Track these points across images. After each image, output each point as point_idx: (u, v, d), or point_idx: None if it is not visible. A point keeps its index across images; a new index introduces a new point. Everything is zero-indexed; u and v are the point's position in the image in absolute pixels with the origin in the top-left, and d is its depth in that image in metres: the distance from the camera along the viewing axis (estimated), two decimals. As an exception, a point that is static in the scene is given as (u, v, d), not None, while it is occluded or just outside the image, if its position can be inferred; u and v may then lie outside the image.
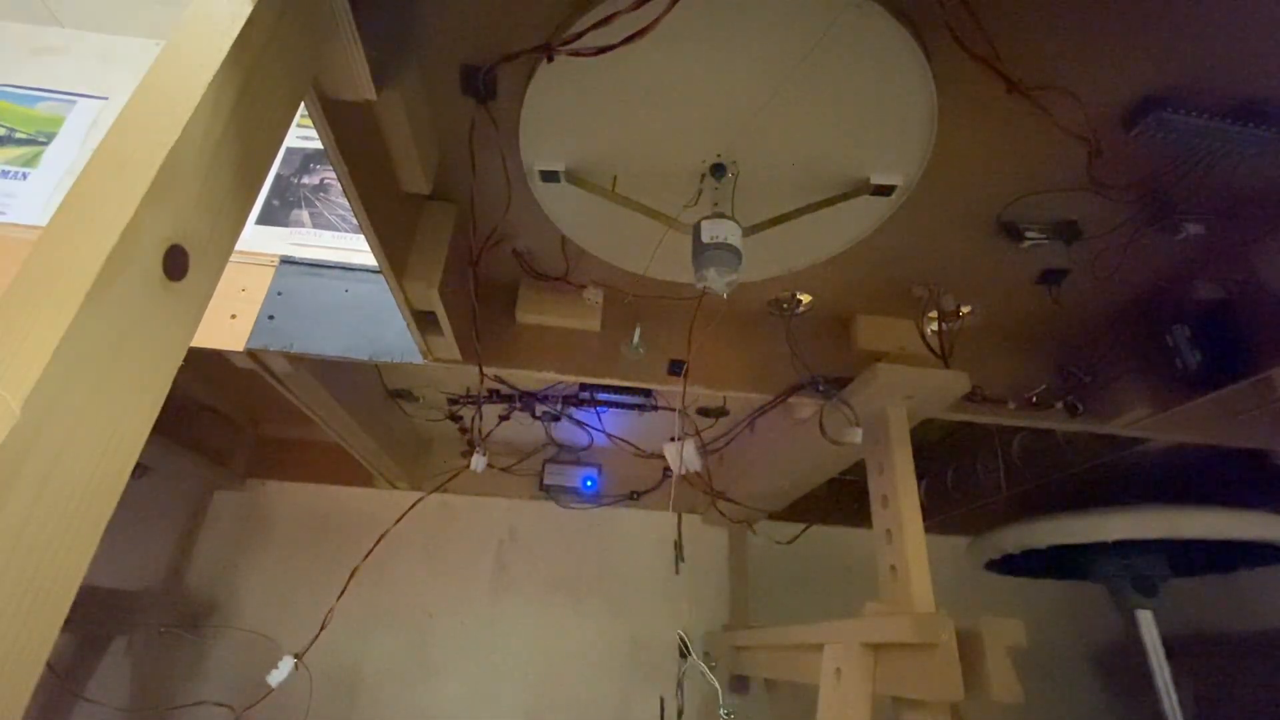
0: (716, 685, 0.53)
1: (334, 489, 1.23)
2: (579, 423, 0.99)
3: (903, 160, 0.46)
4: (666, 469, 1.17)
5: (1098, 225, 0.53)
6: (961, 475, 1.05)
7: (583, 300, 0.67)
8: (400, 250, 0.51)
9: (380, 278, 0.54)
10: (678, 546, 0.67)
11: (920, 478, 0.67)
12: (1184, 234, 0.51)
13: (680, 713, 0.59)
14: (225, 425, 1.15)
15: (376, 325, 0.66)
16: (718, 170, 0.48)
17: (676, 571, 0.62)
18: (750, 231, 0.48)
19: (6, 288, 0.19)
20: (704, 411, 0.88)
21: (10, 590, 0.18)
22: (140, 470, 0.99)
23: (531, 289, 0.67)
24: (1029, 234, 0.54)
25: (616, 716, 1.14)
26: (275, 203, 0.83)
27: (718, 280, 0.45)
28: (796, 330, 0.68)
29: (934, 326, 0.66)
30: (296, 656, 0.68)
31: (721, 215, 0.46)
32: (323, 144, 0.37)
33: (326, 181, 0.86)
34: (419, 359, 0.65)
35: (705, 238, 0.45)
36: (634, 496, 1.20)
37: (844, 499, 1.18)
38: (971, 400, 0.68)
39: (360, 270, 0.69)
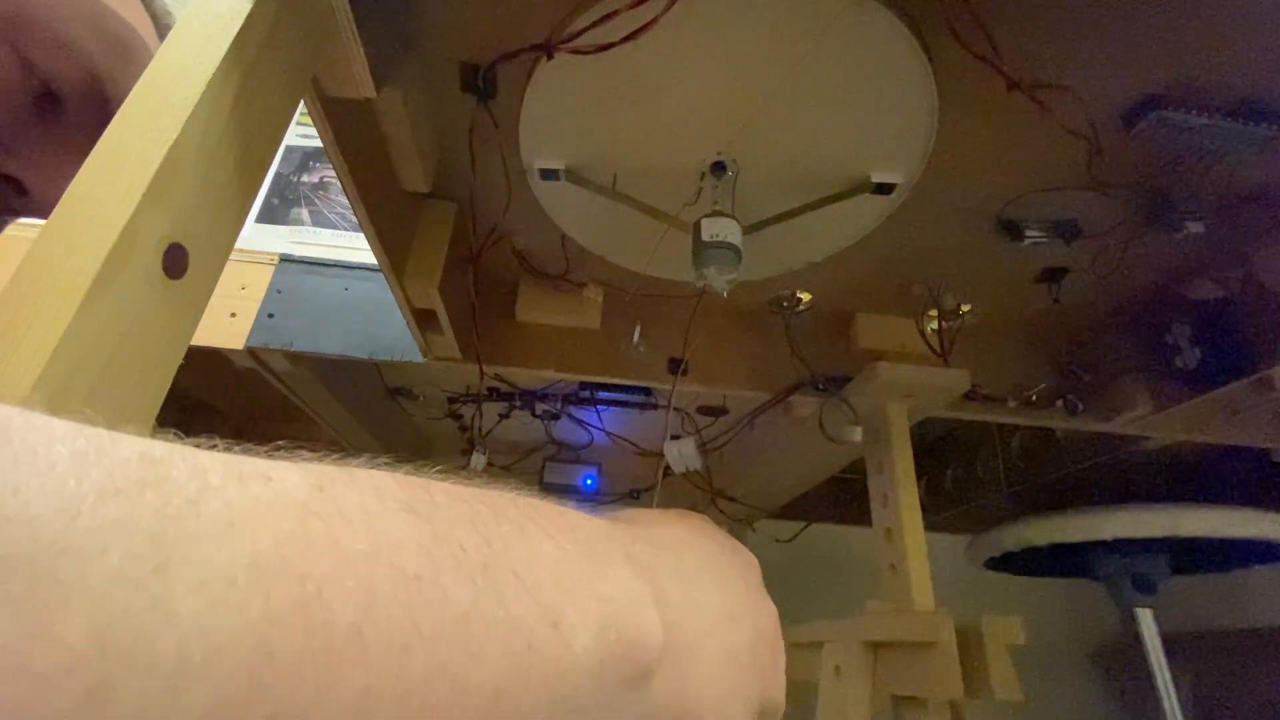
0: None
1: (334, 487, 1.23)
2: (579, 421, 0.99)
3: (903, 158, 0.46)
4: (667, 467, 1.17)
5: (1098, 224, 0.53)
6: (961, 474, 1.05)
7: (583, 298, 0.66)
8: (400, 248, 0.51)
9: (380, 276, 0.54)
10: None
11: (920, 476, 0.67)
12: (1184, 232, 0.51)
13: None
14: (225, 424, 1.15)
15: (376, 323, 0.66)
16: (717, 168, 0.48)
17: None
18: (750, 230, 0.48)
19: (5, 286, 0.19)
20: (704, 410, 0.88)
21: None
22: (140, 468, 0.98)
23: (531, 287, 0.67)
24: (1029, 232, 0.54)
25: (616, 714, 1.14)
26: (275, 201, 0.83)
27: (718, 278, 0.45)
28: (796, 329, 0.68)
29: (934, 325, 0.66)
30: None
31: (721, 213, 0.46)
32: (322, 142, 0.37)
33: (326, 180, 0.85)
34: (419, 357, 0.65)
35: (705, 236, 0.45)
36: (634, 495, 1.20)
37: (844, 497, 1.18)
38: (971, 399, 0.68)
39: (360, 268, 0.69)
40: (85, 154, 0.21)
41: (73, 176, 0.18)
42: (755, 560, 0.29)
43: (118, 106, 0.22)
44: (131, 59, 0.43)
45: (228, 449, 0.14)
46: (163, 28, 0.47)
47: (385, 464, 0.18)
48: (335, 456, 0.17)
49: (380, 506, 0.15)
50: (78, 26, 0.40)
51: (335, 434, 0.89)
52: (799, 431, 0.79)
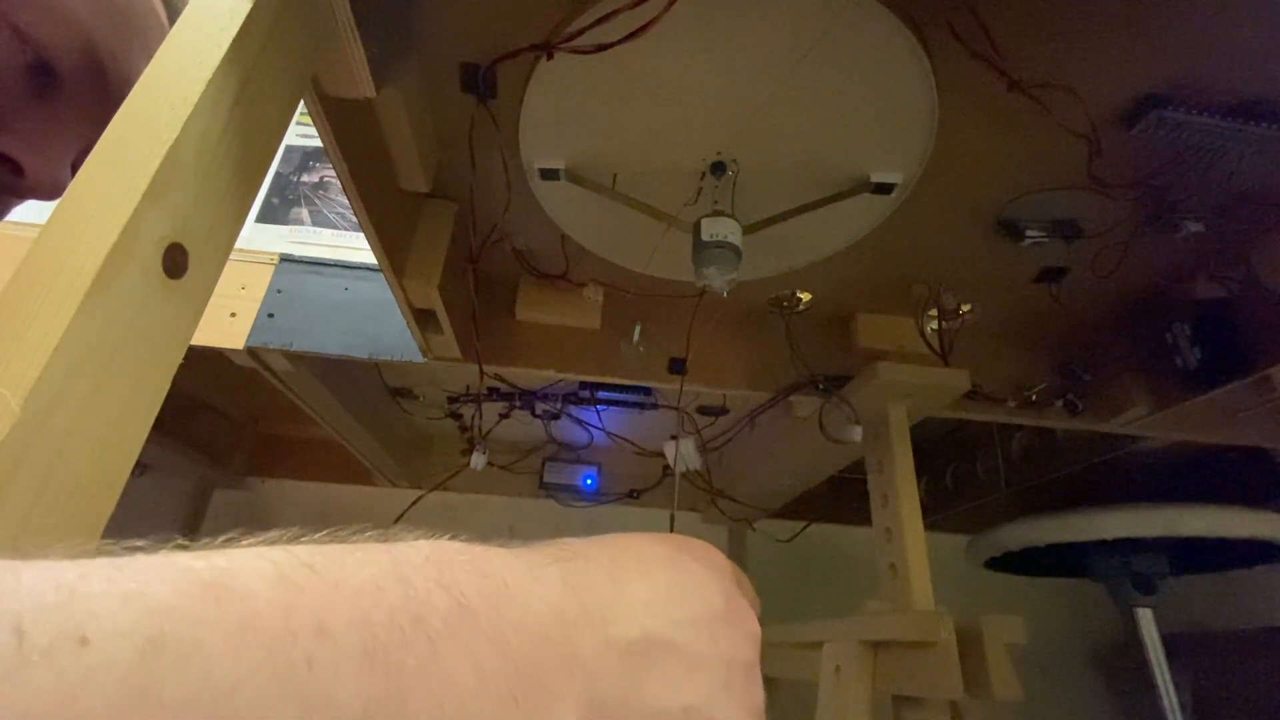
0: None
1: (334, 487, 1.23)
2: (579, 421, 0.99)
3: (903, 158, 0.46)
4: (667, 467, 1.17)
5: (1098, 223, 0.53)
6: (961, 473, 1.05)
7: (583, 298, 0.66)
8: (400, 248, 0.51)
9: (380, 276, 0.54)
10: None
11: (920, 476, 0.67)
12: (1183, 232, 0.51)
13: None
14: (225, 423, 1.15)
15: (376, 323, 0.66)
16: (717, 168, 0.48)
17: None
18: (750, 230, 0.48)
19: (6, 286, 0.19)
20: (704, 410, 0.88)
21: (10, 588, 0.18)
22: (140, 468, 0.99)
23: (531, 287, 0.67)
24: (1029, 232, 0.54)
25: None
26: (275, 201, 0.83)
27: (718, 278, 0.45)
28: (796, 328, 0.68)
29: (934, 325, 0.66)
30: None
31: (721, 213, 0.46)
32: (322, 142, 0.37)
33: (326, 179, 0.85)
34: (419, 357, 0.65)
35: (705, 236, 0.45)
36: (634, 495, 1.20)
37: (844, 497, 1.18)
38: (971, 399, 0.68)
39: (360, 268, 0.69)
40: (82, 131, 0.20)
41: (69, 155, 0.18)
42: (755, 630, 0.25)
43: (117, 80, 0.22)
44: (131, 29, 0.41)
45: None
46: (171, 9, 0.46)
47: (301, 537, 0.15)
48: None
49: (229, 676, 0.11)
50: None
51: (335, 433, 0.89)
52: (799, 431, 0.79)
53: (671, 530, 0.69)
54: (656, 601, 0.22)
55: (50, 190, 0.41)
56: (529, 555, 0.20)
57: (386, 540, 0.17)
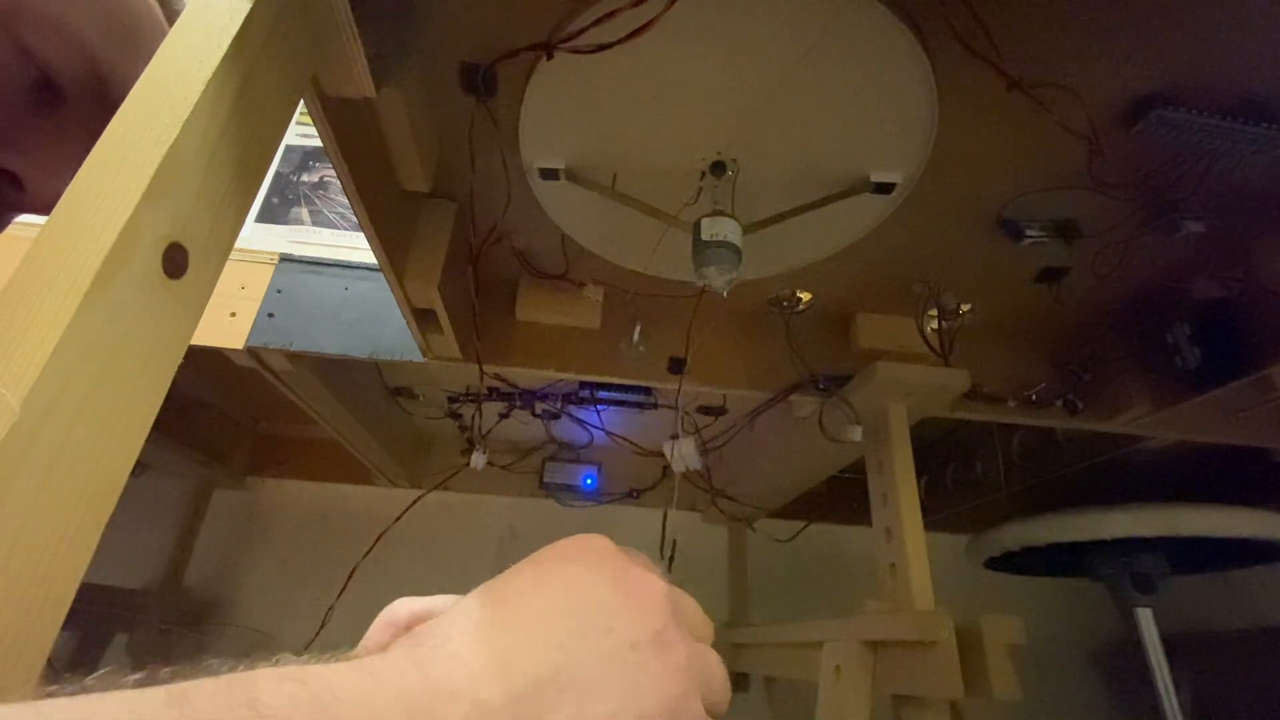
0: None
1: (334, 487, 1.23)
2: (579, 421, 0.99)
3: (903, 158, 0.46)
4: (667, 467, 1.17)
5: (1098, 223, 0.53)
6: (961, 473, 1.05)
7: (583, 298, 0.66)
8: (400, 248, 0.51)
9: (380, 275, 0.54)
10: (663, 547, 0.68)
11: (920, 475, 0.67)
12: (1184, 232, 0.51)
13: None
14: (225, 423, 1.15)
15: (376, 323, 0.66)
16: (717, 168, 0.48)
17: (669, 569, 0.63)
18: (750, 229, 0.48)
19: (5, 286, 0.19)
20: (704, 409, 0.88)
21: (11, 588, 0.18)
22: (140, 468, 0.99)
23: (531, 287, 0.67)
24: (1029, 232, 0.54)
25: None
26: (274, 200, 0.83)
27: (718, 278, 0.45)
28: (796, 328, 0.68)
29: (934, 324, 0.66)
30: (296, 655, 0.68)
31: (721, 213, 0.46)
32: (322, 142, 0.37)
33: (326, 179, 0.85)
34: (419, 357, 0.65)
35: (705, 236, 0.45)
36: (634, 494, 1.20)
37: (844, 497, 1.18)
38: (971, 398, 0.68)
39: (360, 268, 0.69)
40: (85, 148, 0.20)
41: (73, 172, 0.18)
42: (656, 591, 0.23)
43: (121, 98, 0.22)
44: (136, 47, 0.41)
45: None
46: (171, 13, 0.46)
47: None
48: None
49: None
50: (76, 9, 0.38)
51: (335, 433, 0.89)
52: (799, 431, 0.79)
53: (663, 529, 0.69)
54: (529, 639, 0.20)
55: (51, 206, 0.41)
56: (372, 658, 0.18)
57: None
